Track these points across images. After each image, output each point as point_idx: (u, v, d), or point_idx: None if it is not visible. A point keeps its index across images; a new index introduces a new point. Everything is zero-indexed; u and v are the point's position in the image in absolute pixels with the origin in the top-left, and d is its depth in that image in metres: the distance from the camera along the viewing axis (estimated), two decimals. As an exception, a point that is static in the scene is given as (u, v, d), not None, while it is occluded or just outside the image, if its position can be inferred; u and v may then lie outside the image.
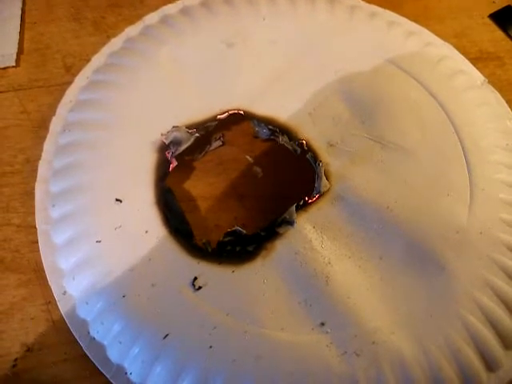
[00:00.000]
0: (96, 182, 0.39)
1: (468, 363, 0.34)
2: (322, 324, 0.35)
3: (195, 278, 0.36)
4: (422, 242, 0.38)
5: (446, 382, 0.33)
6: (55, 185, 0.40)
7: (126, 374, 0.34)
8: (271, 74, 0.44)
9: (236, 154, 0.44)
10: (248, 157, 0.43)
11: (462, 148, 0.41)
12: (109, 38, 0.47)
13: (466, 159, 0.41)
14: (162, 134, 0.40)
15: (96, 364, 0.35)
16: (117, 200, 0.38)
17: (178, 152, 0.41)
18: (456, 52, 0.48)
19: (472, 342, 0.35)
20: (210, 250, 0.37)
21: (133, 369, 0.34)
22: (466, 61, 0.47)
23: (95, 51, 0.46)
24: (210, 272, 0.36)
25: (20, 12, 0.50)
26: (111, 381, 0.34)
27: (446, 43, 0.48)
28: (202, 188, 0.42)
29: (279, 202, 0.40)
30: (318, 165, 0.40)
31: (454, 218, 0.39)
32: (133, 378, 0.34)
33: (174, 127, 0.40)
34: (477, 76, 0.47)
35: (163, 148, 0.40)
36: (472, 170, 0.41)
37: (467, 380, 0.34)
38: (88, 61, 0.46)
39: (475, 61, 0.48)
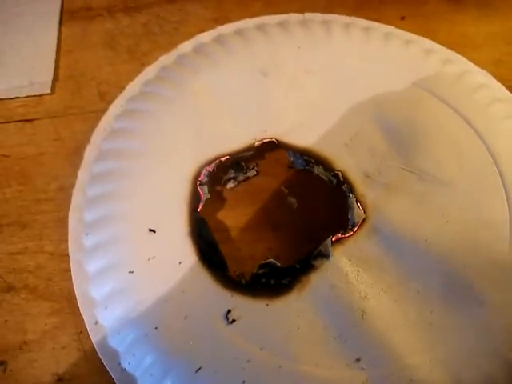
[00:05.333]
0: (129, 212, 0.39)
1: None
2: (358, 360, 0.34)
3: (229, 311, 0.35)
4: (460, 277, 0.37)
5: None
6: (89, 213, 0.40)
7: (157, 406, 0.33)
8: (306, 104, 0.43)
9: (270, 184, 0.43)
10: (283, 187, 0.43)
11: (502, 180, 0.40)
12: (143, 65, 0.47)
13: (506, 191, 0.40)
14: (206, 169, 0.40)
15: (127, 396, 0.34)
16: (150, 230, 0.38)
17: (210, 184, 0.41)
18: (494, 80, 0.47)
19: (514, 380, 0.33)
20: (244, 282, 0.37)
21: (164, 402, 0.34)
22: (504, 89, 0.46)
23: (130, 79, 0.46)
24: (243, 305, 0.36)
25: (56, 40, 0.50)
26: (142, 413, 0.33)
27: (483, 71, 0.47)
28: (236, 218, 0.42)
29: (314, 233, 0.39)
30: (349, 196, 0.39)
31: (493, 252, 0.38)
32: (165, 410, 0.33)
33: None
34: (516, 105, 0.45)
35: (196, 178, 0.40)
36: (512, 203, 0.40)
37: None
38: (122, 88, 0.46)
39: (514, 89, 0.47)
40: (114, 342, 0.36)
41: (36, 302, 0.39)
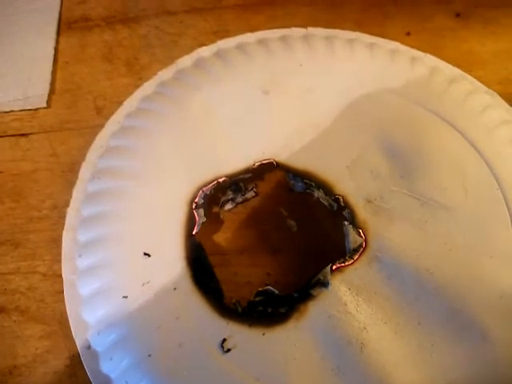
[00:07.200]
0: (124, 234, 0.38)
1: None
2: (356, 393, 0.33)
3: (224, 340, 0.34)
4: (462, 308, 0.36)
5: None
6: (83, 234, 0.39)
7: None
8: (307, 124, 0.42)
9: (269, 206, 0.42)
10: (282, 209, 0.42)
11: (507, 207, 0.39)
12: (141, 79, 0.47)
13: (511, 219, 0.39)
14: (202, 191, 0.39)
15: (119, 424, 0.33)
16: (145, 254, 0.37)
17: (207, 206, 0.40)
18: (500, 100, 0.45)
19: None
20: (240, 310, 0.36)
21: (157, 431, 0.33)
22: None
23: (127, 93, 0.45)
24: (239, 334, 0.35)
25: (53, 51, 0.49)
26: None
27: (490, 90, 0.46)
28: (233, 241, 0.41)
29: (314, 258, 0.38)
30: (344, 224, 0.38)
31: (497, 282, 0.37)
32: None
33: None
34: (523, 128, 0.44)
35: (193, 200, 0.39)
36: (517, 231, 0.38)
37: None
38: (119, 103, 0.45)
39: (521, 110, 0.45)
40: (106, 368, 0.35)
41: (27, 324, 0.38)
